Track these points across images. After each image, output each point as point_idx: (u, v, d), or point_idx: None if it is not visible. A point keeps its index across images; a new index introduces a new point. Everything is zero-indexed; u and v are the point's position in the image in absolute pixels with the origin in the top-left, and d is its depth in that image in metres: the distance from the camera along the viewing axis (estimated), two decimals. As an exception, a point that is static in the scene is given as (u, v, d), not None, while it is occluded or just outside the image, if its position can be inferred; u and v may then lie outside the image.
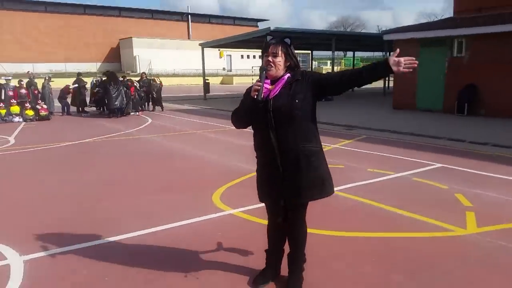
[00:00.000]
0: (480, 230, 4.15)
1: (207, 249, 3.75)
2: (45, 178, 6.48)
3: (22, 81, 14.99)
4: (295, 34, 20.15)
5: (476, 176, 6.30)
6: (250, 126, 2.87)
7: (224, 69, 52.76)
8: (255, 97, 2.60)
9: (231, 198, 5.22)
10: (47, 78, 15.95)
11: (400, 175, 6.34)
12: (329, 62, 65.04)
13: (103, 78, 15.77)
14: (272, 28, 18.96)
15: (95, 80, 16.90)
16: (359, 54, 66.13)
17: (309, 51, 32.71)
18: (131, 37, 49.75)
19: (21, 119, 13.34)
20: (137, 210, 4.85)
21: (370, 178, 6.14)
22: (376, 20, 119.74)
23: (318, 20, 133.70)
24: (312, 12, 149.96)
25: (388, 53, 25.43)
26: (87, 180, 6.28)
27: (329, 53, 60.31)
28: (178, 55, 49.02)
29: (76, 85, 15.73)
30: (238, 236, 4.05)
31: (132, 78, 17.54)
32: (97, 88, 15.64)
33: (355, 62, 67.91)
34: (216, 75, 46.96)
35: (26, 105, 13.72)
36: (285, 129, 2.69)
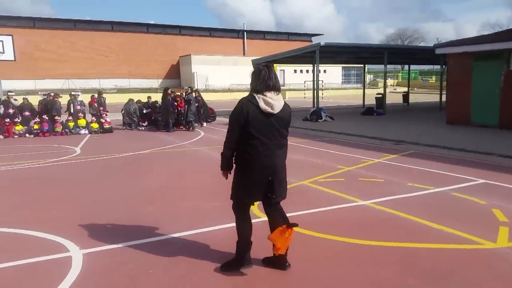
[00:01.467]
0: (510, 244, 4.17)
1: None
2: (105, 184, 7.20)
3: (95, 96, 16.44)
4: (345, 48, 20.33)
5: (521, 192, 6.17)
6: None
7: (277, 84, 53.39)
8: None
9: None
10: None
11: (440, 190, 6.35)
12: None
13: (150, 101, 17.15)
14: (322, 43, 19.22)
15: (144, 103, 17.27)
16: (417, 67, 64.43)
17: (362, 65, 32.35)
18: (190, 54, 52.00)
19: (87, 132, 14.59)
20: (182, 213, 5.33)
21: (408, 192, 6.22)
22: (437, 33, 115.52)
23: (375, 33, 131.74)
24: (369, 25, 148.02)
25: (444, 67, 24.75)
26: (141, 186, 6.92)
27: (388, 66, 59.39)
28: (233, 71, 50.48)
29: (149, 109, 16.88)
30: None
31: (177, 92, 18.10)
32: (145, 110, 16.66)
33: (412, 76, 66.08)
34: (269, 90, 47.63)
35: (92, 118, 15.01)
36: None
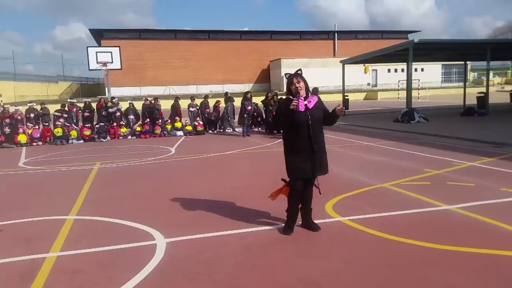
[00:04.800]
0: None
1: (313, 245, 4.22)
2: (194, 180, 7.77)
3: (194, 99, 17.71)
4: (441, 45, 19.10)
5: None
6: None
7: (368, 84, 51.85)
8: (294, 109, 4.33)
9: (343, 208, 5.56)
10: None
11: (538, 195, 5.76)
12: (492, 73, 58.37)
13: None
14: (416, 40, 18.30)
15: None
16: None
17: (463, 62, 30.00)
18: (280, 59, 52.85)
19: (182, 133, 15.70)
20: (260, 210, 5.56)
21: (499, 198, 5.74)
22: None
23: (481, 27, 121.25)
24: (474, 19, 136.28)
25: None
26: (225, 184, 7.35)
27: (495, 63, 54.11)
28: (322, 72, 50.07)
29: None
30: (342, 238, 4.41)
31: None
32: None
33: (524, 72, 59.35)
34: (360, 90, 46.53)
35: (186, 121, 16.13)
36: (316, 128, 4.44)
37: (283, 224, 4.79)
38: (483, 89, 21.09)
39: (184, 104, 18.08)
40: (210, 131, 16.80)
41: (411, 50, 17.92)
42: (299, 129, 4.37)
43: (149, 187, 7.41)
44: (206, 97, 17.88)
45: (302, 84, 4.41)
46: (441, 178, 7.12)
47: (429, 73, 52.36)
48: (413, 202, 5.71)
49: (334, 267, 3.76)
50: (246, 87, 53.22)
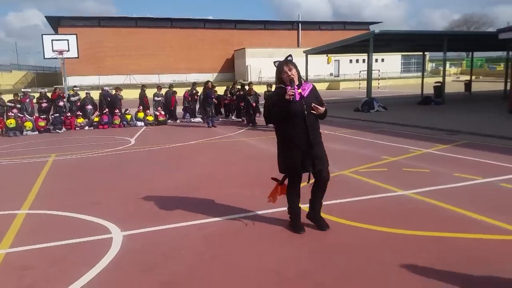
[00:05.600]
0: (556, 237, 3.91)
1: (272, 233, 4.22)
2: (153, 172, 7.60)
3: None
4: (400, 36, 19.56)
5: None
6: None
7: (331, 74, 52.62)
8: (291, 99, 3.94)
9: (302, 195, 5.60)
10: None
11: (487, 180, 6.03)
12: (448, 63, 60.57)
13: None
14: (376, 31, 18.64)
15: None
16: (483, 54, 60.40)
17: (421, 53, 30.90)
18: (244, 48, 52.56)
19: (143, 124, 15.34)
20: (221, 200, 5.50)
21: (452, 183, 5.97)
22: (509, 17, 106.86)
23: (440, 19, 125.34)
24: (433, 11, 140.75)
25: (510, 53, 22.98)
26: (186, 174, 7.23)
27: (451, 54, 56.03)
28: (287, 62, 50.23)
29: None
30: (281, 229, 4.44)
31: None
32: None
33: (478, 64, 61.99)
34: (323, 80, 47.12)
35: (147, 111, 15.76)
36: (312, 118, 4.06)
37: (243, 214, 4.76)
38: (441, 79, 21.81)
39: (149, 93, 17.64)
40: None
41: (372, 41, 18.25)
42: (293, 119, 3.99)
43: (106, 179, 7.20)
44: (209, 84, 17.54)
45: (294, 71, 4.03)
46: (398, 164, 7.32)
47: (389, 64, 53.68)
48: (370, 188, 5.84)
49: (293, 254, 3.77)
50: (210, 77, 52.61)
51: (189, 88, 17.25)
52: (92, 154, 9.74)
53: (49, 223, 4.95)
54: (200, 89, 16.43)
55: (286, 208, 5.11)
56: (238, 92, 16.69)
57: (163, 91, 17.44)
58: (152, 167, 8.12)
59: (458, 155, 7.95)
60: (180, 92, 18.52)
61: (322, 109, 3.99)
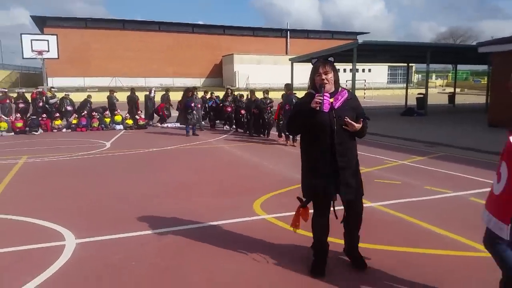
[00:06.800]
0: (517, 255, 3.85)
1: (230, 245, 4.09)
2: (124, 177, 7.42)
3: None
4: (384, 47, 19.71)
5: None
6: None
7: (319, 83, 52.95)
8: (317, 108, 3.19)
9: (270, 205, 5.50)
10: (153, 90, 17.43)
11: (457, 194, 6.00)
12: (434, 75, 61.37)
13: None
14: (360, 41, 18.77)
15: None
16: (469, 67, 61.37)
17: (405, 64, 31.22)
18: (232, 54, 52.56)
19: (121, 127, 15.11)
20: (188, 208, 5.35)
21: (422, 196, 5.92)
22: (494, 31, 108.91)
23: (428, 31, 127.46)
24: (421, 24, 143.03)
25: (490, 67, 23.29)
26: (157, 181, 7.08)
27: (438, 66, 56.75)
28: (274, 70, 50.41)
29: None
30: (263, 236, 4.32)
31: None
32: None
33: (463, 76, 62.87)
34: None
35: (126, 115, 15.54)
36: (344, 135, 3.28)
37: (205, 224, 4.61)
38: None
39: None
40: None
41: (355, 50, 18.35)
42: (318, 135, 3.29)
43: (72, 184, 6.98)
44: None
45: (331, 76, 3.28)
46: (370, 176, 7.25)
47: (376, 74, 54.15)
48: (338, 199, 5.73)
49: (248, 267, 3.65)
50: (197, 81, 52.47)
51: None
52: (64, 157, 9.50)
53: (3, 228, 4.75)
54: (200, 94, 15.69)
55: (252, 218, 5.01)
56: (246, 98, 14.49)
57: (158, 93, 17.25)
58: (123, 173, 7.93)
59: (432, 168, 7.94)
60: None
61: (357, 125, 3.22)
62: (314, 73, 3.33)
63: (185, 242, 4.24)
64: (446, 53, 23.31)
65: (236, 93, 16.93)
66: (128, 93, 17.09)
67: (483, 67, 57.53)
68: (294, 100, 10.20)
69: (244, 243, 4.19)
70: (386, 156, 9.14)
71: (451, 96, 28.91)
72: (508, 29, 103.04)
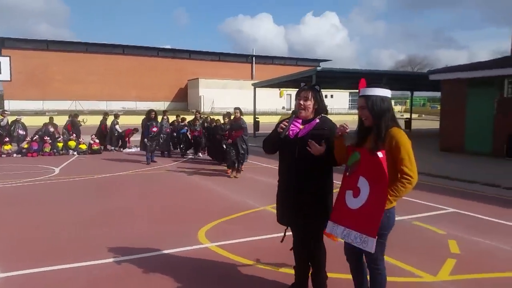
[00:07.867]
0: (450, 278, 3.93)
1: (171, 276, 3.92)
2: (66, 205, 7.08)
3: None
4: (342, 74, 20.27)
5: (487, 223, 5.90)
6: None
7: (283, 107, 53.68)
8: (281, 131, 3.20)
9: (215, 233, 5.37)
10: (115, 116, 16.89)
11: (401, 218, 6.07)
12: (393, 102, 63.53)
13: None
14: (318, 68, 19.24)
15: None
16: (426, 94, 64.08)
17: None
18: (198, 78, 52.66)
19: (75, 152, 14.60)
20: (130, 237, 5.15)
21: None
22: (448, 60, 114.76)
23: (388, 59, 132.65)
24: (382, 52, 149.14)
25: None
26: (103, 207, 6.80)
27: (396, 92, 58.93)
28: (240, 94, 50.76)
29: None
30: (206, 266, 4.18)
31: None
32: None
33: (421, 102, 65.46)
34: (275, 113, 47.83)
35: (80, 140, 15.07)
36: (307, 163, 3.17)
37: (146, 254, 4.43)
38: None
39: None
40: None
41: (314, 77, 18.77)
42: (283, 160, 3.39)
43: (9, 212, 6.59)
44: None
45: (310, 103, 3.24)
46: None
47: (338, 100, 55.66)
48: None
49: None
50: (161, 105, 51.98)
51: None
52: (5, 184, 9.02)
53: None
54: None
55: (193, 248, 4.88)
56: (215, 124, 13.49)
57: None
58: (66, 200, 7.59)
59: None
60: (128, 120, 17.93)
61: (319, 148, 3.07)
62: (296, 97, 3.36)
63: (115, 275, 4.04)
64: (403, 80, 24.24)
65: (210, 117, 15.83)
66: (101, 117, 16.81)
67: (439, 94, 60.54)
68: (243, 126, 10.24)
69: (178, 275, 4.04)
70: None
71: (408, 122, 29.94)
72: (462, 58, 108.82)
